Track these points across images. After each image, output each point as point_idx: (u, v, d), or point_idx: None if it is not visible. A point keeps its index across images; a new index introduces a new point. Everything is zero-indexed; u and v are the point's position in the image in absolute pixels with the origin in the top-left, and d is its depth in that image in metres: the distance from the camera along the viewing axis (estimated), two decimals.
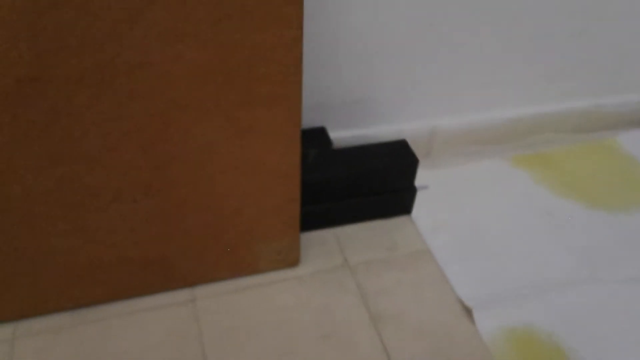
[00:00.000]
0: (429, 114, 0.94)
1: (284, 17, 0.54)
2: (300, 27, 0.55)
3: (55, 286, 0.67)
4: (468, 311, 0.72)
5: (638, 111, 1.08)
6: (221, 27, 0.53)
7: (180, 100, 0.57)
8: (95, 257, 0.66)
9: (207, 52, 0.54)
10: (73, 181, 0.59)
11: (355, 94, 0.87)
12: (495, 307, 0.73)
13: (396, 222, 0.86)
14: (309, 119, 0.86)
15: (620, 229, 0.85)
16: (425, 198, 0.88)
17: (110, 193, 0.61)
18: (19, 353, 0.66)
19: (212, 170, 0.63)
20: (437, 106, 0.94)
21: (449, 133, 0.97)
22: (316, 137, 0.85)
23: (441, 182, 0.92)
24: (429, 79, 0.89)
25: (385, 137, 0.90)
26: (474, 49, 0.88)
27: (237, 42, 0.54)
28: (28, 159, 0.56)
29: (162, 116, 0.57)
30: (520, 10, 0.85)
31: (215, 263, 0.73)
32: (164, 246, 0.68)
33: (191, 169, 0.62)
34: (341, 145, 0.86)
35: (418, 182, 0.85)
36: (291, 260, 0.77)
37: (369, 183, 0.81)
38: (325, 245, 0.81)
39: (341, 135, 0.89)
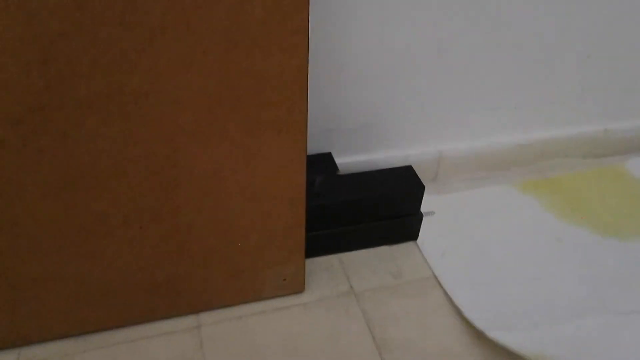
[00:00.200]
0: (435, 139, 0.94)
1: (290, 46, 0.55)
2: (305, 55, 0.56)
3: (61, 311, 0.67)
4: (476, 337, 0.71)
5: None
6: (229, 55, 0.54)
7: (187, 126, 0.57)
8: (101, 282, 0.66)
9: (215, 80, 0.55)
10: (81, 206, 0.59)
11: (361, 120, 0.87)
12: (504, 335, 0.71)
13: (402, 248, 0.85)
14: (316, 145, 0.87)
15: (631, 257, 0.84)
16: (432, 224, 0.87)
17: (118, 218, 0.61)
18: None
19: (218, 196, 0.63)
20: (444, 131, 0.94)
21: (456, 158, 0.97)
22: (322, 163, 0.85)
23: (448, 208, 0.92)
24: (436, 103, 0.90)
25: (391, 162, 0.90)
26: (481, 74, 0.89)
27: (244, 70, 0.55)
28: (37, 185, 0.56)
29: (169, 142, 0.58)
30: (528, 35, 0.86)
31: (221, 288, 0.72)
32: (170, 271, 0.68)
33: (198, 194, 0.63)
34: (347, 170, 0.87)
35: (424, 208, 0.85)
36: (296, 286, 0.76)
37: (375, 209, 0.81)
38: (331, 271, 0.81)
39: (347, 160, 0.89)
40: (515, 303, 0.76)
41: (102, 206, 0.60)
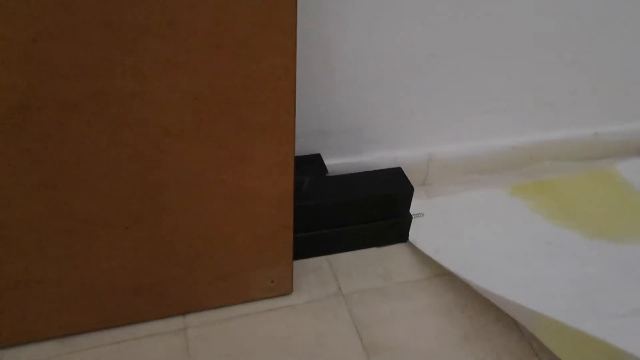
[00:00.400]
0: (425, 142, 0.94)
1: (277, 47, 0.54)
2: (293, 56, 0.56)
3: (44, 313, 0.66)
4: (464, 339, 0.71)
5: (637, 140, 1.08)
6: (215, 56, 0.53)
7: (173, 128, 0.57)
8: (85, 284, 0.66)
9: (201, 81, 0.55)
10: (64, 207, 0.58)
11: (350, 121, 0.87)
12: None
13: (391, 250, 0.85)
14: (304, 146, 0.86)
15: (621, 259, 0.84)
16: (421, 226, 0.87)
17: (102, 219, 0.61)
18: None
19: (204, 197, 0.63)
20: (433, 134, 0.94)
21: (445, 161, 0.97)
22: (311, 164, 0.85)
23: (437, 211, 0.92)
24: (426, 106, 0.90)
25: (380, 164, 0.90)
26: (471, 77, 0.88)
27: (230, 71, 0.55)
28: (18, 185, 0.56)
29: (155, 143, 0.57)
30: (518, 39, 0.86)
31: (207, 290, 0.72)
32: (156, 273, 0.68)
33: (184, 196, 0.62)
34: (336, 172, 0.86)
35: (413, 210, 0.85)
36: (284, 288, 0.76)
37: (364, 210, 0.81)
38: (319, 273, 0.81)
39: (336, 162, 0.89)
40: (504, 305, 0.76)
41: (85, 207, 0.59)
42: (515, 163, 1.02)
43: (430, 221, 0.89)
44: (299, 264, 0.81)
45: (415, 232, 0.86)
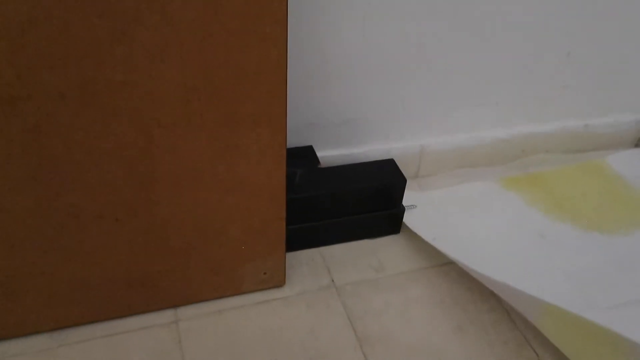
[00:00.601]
0: (417, 134, 0.94)
1: (268, 37, 0.54)
2: (284, 46, 0.55)
3: (34, 307, 0.66)
4: (458, 329, 0.71)
5: (627, 132, 1.08)
6: (205, 46, 0.53)
7: (164, 118, 0.56)
8: (76, 277, 0.65)
9: (191, 71, 0.54)
10: (54, 199, 0.58)
11: (343, 113, 0.87)
12: None
13: (383, 241, 0.85)
14: (297, 138, 0.86)
15: (613, 251, 0.85)
16: (414, 218, 0.87)
17: (92, 212, 0.60)
18: None
19: (195, 189, 0.63)
20: (426, 126, 0.94)
21: (438, 153, 0.97)
22: (303, 156, 0.85)
23: (430, 203, 0.92)
24: (418, 99, 0.90)
25: (373, 156, 0.90)
26: (463, 70, 0.88)
27: (221, 61, 0.54)
28: (7, 177, 0.55)
29: (145, 135, 0.57)
30: (510, 32, 0.86)
31: (199, 283, 0.72)
32: (147, 266, 0.67)
33: (175, 188, 0.62)
34: (329, 164, 0.86)
35: (406, 202, 0.85)
36: (277, 280, 0.76)
37: (356, 202, 0.81)
38: (312, 265, 0.81)
39: (329, 154, 0.89)
40: (503, 292, 0.76)
41: (75, 199, 0.58)
42: (507, 156, 1.03)
43: (423, 213, 0.89)
44: (291, 256, 0.81)
45: (405, 227, 0.86)
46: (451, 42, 0.84)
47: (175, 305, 0.73)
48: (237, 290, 0.74)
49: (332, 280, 0.79)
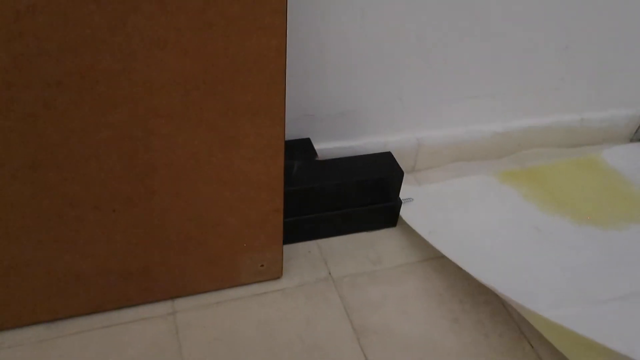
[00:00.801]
0: (415, 127, 0.94)
1: (267, 26, 0.54)
2: (283, 36, 0.55)
3: (30, 298, 0.65)
4: (454, 322, 0.72)
5: (623, 126, 1.09)
6: (204, 35, 0.53)
7: (162, 108, 0.56)
8: (73, 268, 0.65)
9: (190, 60, 0.54)
10: (50, 189, 0.57)
11: (341, 106, 0.86)
12: None
13: (381, 234, 0.85)
14: (295, 130, 0.86)
15: (608, 245, 0.85)
16: (411, 211, 0.87)
17: (89, 202, 0.60)
18: None
19: (194, 180, 0.62)
20: (423, 119, 0.94)
21: (435, 147, 0.97)
22: (301, 148, 0.85)
23: (427, 196, 0.92)
24: (416, 92, 0.90)
25: (370, 149, 0.90)
26: (460, 63, 0.88)
27: (219, 50, 0.54)
28: (3, 166, 0.54)
29: (143, 124, 0.56)
30: (507, 25, 0.86)
31: (197, 275, 0.71)
32: (145, 257, 0.67)
33: (173, 178, 0.61)
34: (326, 156, 0.86)
35: (403, 195, 0.85)
36: (274, 272, 0.76)
37: (354, 195, 0.81)
38: (309, 257, 0.81)
39: (326, 146, 0.89)
40: (493, 290, 0.77)
41: (72, 189, 0.58)
42: (503, 149, 1.03)
43: (420, 207, 0.89)
44: (288, 249, 0.81)
45: (402, 220, 0.86)
46: (449, 35, 0.84)
47: (172, 296, 0.73)
48: (235, 282, 0.74)
49: (330, 273, 0.79)
